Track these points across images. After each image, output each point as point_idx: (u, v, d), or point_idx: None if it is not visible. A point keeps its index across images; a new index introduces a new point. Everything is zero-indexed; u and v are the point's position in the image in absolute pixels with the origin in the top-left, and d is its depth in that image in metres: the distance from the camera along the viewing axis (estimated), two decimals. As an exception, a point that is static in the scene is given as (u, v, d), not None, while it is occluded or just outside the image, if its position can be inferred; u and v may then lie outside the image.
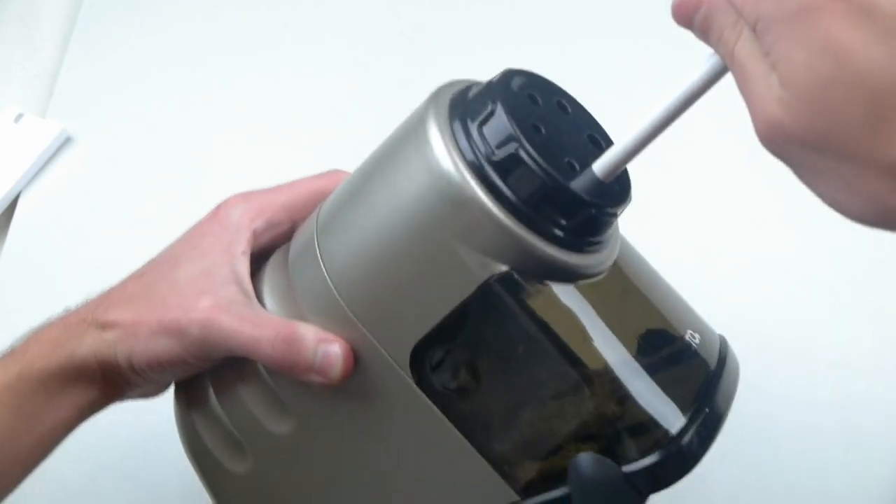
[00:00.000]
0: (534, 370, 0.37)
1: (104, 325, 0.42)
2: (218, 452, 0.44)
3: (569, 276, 0.37)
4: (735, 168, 0.68)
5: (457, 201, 0.35)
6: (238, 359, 0.41)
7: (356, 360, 0.39)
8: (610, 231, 0.39)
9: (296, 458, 0.42)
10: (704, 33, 0.33)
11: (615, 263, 0.39)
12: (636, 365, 0.37)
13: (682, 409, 0.37)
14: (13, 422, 0.41)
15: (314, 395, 0.41)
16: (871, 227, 0.31)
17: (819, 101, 0.28)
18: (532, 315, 0.37)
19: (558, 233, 0.36)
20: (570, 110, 0.39)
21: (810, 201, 0.62)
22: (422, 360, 0.38)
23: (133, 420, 0.52)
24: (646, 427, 0.37)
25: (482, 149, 0.35)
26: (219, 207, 0.44)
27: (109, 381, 0.43)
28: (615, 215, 0.38)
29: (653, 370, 0.38)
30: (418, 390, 0.38)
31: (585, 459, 0.36)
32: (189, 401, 0.45)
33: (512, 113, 0.35)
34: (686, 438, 0.36)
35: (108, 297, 0.43)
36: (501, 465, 0.38)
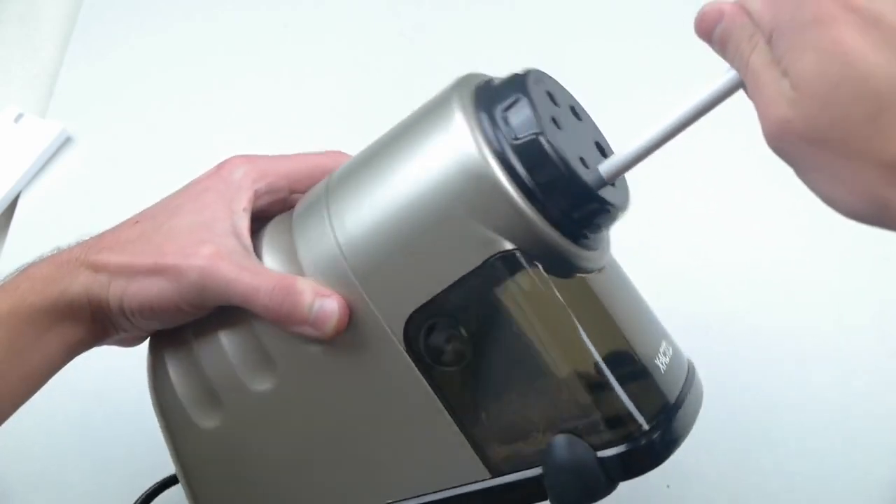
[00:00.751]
0: (522, 353, 0.39)
1: (97, 267, 0.42)
2: (189, 405, 0.43)
3: (568, 265, 0.38)
4: (734, 169, 0.68)
5: (474, 175, 0.37)
6: (228, 309, 0.41)
7: (350, 320, 0.39)
8: (605, 235, 0.41)
9: (270, 417, 0.42)
10: (722, 46, 0.36)
11: (603, 271, 0.41)
12: (618, 361, 0.39)
13: (654, 409, 0.39)
14: (2, 357, 0.41)
15: (302, 353, 0.41)
16: (866, 224, 0.34)
17: (827, 100, 0.31)
18: (529, 297, 0.38)
19: (564, 221, 0.37)
20: (581, 118, 0.41)
21: (810, 202, 0.62)
22: (415, 329, 0.39)
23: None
24: (622, 419, 0.38)
25: (504, 132, 0.37)
26: (222, 165, 0.45)
27: (97, 322, 0.43)
28: (615, 216, 0.40)
29: (632, 370, 0.39)
30: (408, 358, 0.39)
31: (562, 440, 0.38)
32: (167, 349, 0.44)
33: (534, 105, 0.37)
34: (657, 434, 0.38)
35: (101, 241, 0.43)
36: (478, 442, 0.39)
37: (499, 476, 0.39)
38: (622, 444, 0.38)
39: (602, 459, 0.37)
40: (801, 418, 0.58)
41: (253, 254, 0.42)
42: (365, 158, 0.42)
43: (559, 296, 0.38)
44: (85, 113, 0.77)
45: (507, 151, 0.37)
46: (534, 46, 0.77)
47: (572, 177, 0.37)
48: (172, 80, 0.79)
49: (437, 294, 0.38)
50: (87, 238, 0.44)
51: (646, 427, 0.38)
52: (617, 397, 0.38)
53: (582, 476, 0.37)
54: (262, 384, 0.42)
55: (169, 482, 0.50)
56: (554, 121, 0.38)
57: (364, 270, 0.39)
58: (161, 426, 0.44)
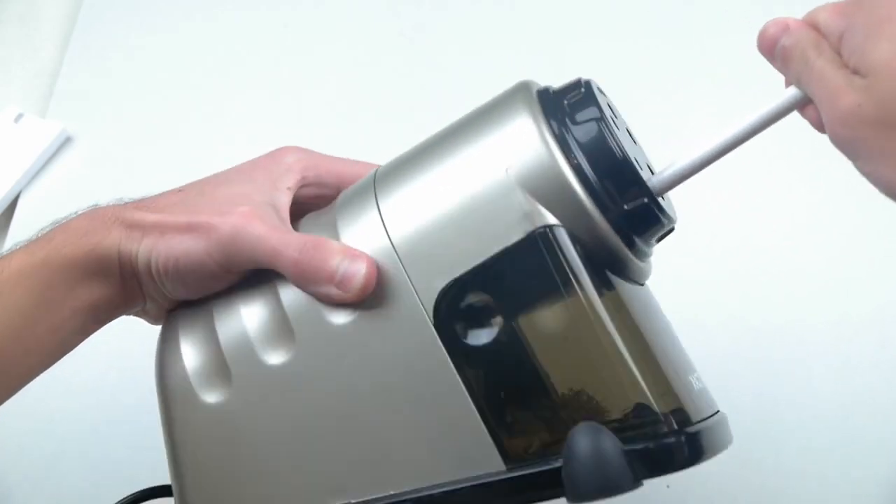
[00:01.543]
0: (556, 338, 0.38)
1: (131, 224, 0.42)
2: (195, 377, 0.42)
3: (610, 259, 0.38)
4: (734, 170, 0.68)
5: (528, 144, 0.37)
6: (251, 280, 0.42)
7: (380, 290, 0.39)
8: (649, 253, 0.41)
9: (280, 394, 0.41)
10: (786, 58, 0.37)
11: (644, 288, 0.42)
12: (656, 360, 0.38)
13: (682, 415, 0.37)
14: (33, 307, 0.41)
15: (324, 322, 0.40)
16: None
17: None
18: (569, 282, 0.37)
19: (612, 211, 0.37)
20: (635, 141, 0.42)
21: (811, 202, 0.62)
22: (447, 303, 0.38)
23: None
24: (651, 414, 0.36)
25: (565, 116, 0.38)
26: (277, 149, 0.46)
27: (125, 283, 0.43)
28: (663, 228, 0.40)
29: (664, 373, 0.38)
30: (435, 334, 0.38)
31: (588, 428, 0.36)
32: (182, 322, 0.44)
33: (596, 98, 0.39)
34: (684, 437, 0.37)
35: (141, 202, 0.44)
36: (495, 429, 0.38)
37: (514, 469, 0.38)
38: (648, 441, 0.36)
39: (627, 452, 0.36)
40: (801, 417, 0.58)
41: (288, 224, 0.42)
42: (417, 148, 0.42)
43: (594, 292, 0.37)
44: (85, 113, 0.77)
45: (564, 132, 0.38)
46: (534, 46, 0.77)
47: (629, 167, 0.37)
48: (172, 80, 0.79)
49: (475, 266, 0.37)
50: (125, 199, 0.44)
51: (675, 426, 0.36)
52: (648, 391, 0.36)
53: (605, 467, 0.35)
54: (277, 357, 0.41)
55: (151, 494, 0.48)
56: (615, 122, 0.39)
57: (403, 238, 0.39)
58: (159, 401, 0.43)
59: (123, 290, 0.43)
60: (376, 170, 0.43)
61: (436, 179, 0.39)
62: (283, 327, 0.41)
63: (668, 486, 0.57)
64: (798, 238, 0.65)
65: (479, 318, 0.38)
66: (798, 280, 0.64)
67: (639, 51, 0.77)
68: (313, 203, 0.45)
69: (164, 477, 0.48)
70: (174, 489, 0.43)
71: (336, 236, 0.41)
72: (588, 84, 0.40)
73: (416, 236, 0.39)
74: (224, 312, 0.42)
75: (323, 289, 0.39)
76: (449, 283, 0.38)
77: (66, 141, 0.76)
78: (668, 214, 0.39)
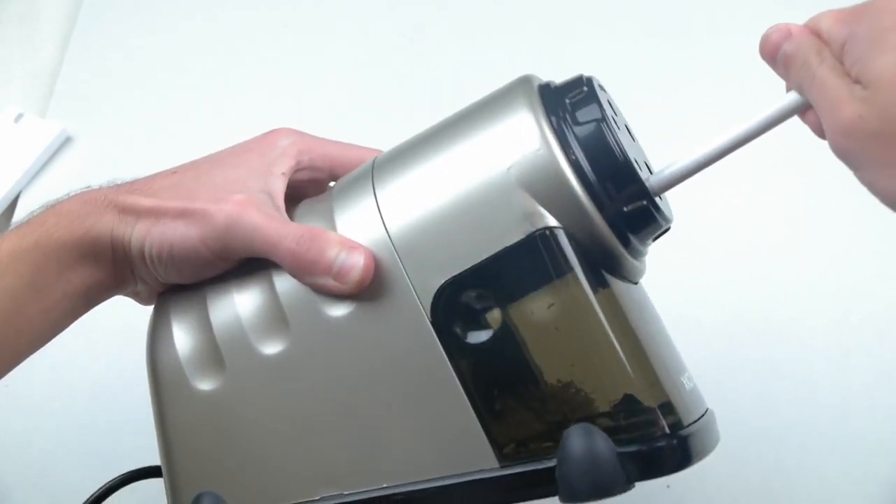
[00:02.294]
0: (552, 337, 0.38)
1: (124, 208, 0.42)
2: (188, 364, 0.42)
3: (606, 258, 0.38)
4: (735, 171, 0.68)
5: (529, 146, 0.37)
6: (246, 267, 0.41)
7: (376, 284, 0.39)
8: (644, 252, 0.41)
9: (274, 384, 0.41)
10: (787, 63, 0.37)
11: (639, 287, 0.42)
12: (650, 360, 0.38)
13: (675, 417, 0.38)
14: (25, 291, 0.41)
15: (319, 314, 0.40)
16: None
17: None
18: (567, 282, 0.37)
19: (612, 214, 0.37)
20: (634, 139, 0.42)
21: (811, 203, 0.62)
22: (444, 300, 0.38)
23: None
24: (645, 416, 0.37)
25: (566, 114, 0.38)
26: (270, 132, 0.45)
27: (118, 266, 0.43)
28: (659, 227, 0.40)
29: (656, 376, 0.38)
30: (432, 331, 0.38)
31: (583, 429, 0.36)
32: (174, 306, 0.43)
33: (598, 98, 0.38)
34: (676, 441, 0.37)
35: (133, 185, 0.43)
36: (490, 426, 0.38)
37: (508, 466, 0.38)
38: (641, 443, 0.37)
39: (620, 455, 0.36)
40: (801, 417, 0.58)
41: (284, 213, 0.42)
42: (416, 139, 0.41)
43: (590, 292, 0.37)
44: (85, 113, 0.77)
45: (565, 130, 0.37)
46: (534, 46, 0.77)
47: (628, 168, 0.37)
48: (172, 80, 0.79)
49: (474, 265, 0.37)
50: (118, 181, 0.44)
51: (667, 430, 0.37)
52: (641, 393, 0.37)
53: (599, 469, 0.36)
54: (271, 347, 0.40)
55: (135, 476, 0.48)
56: (615, 122, 0.39)
57: (401, 233, 0.38)
58: (150, 385, 0.43)
59: (115, 274, 0.43)
60: (374, 159, 0.42)
61: (435, 173, 0.39)
62: (277, 317, 0.41)
63: (668, 486, 0.57)
64: (798, 238, 0.65)
65: (475, 316, 0.38)
66: (798, 280, 0.64)
67: (639, 50, 0.77)
68: (306, 186, 0.45)
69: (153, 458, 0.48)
70: (164, 472, 0.43)
71: (332, 226, 0.40)
72: (590, 81, 0.40)
73: (415, 231, 0.38)
74: (218, 299, 0.42)
75: (320, 280, 0.39)
76: (447, 281, 0.38)
77: (66, 141, 0.76)
78: (664, 215, 0.39)
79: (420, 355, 0.38)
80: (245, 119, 0.76)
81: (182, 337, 0.42)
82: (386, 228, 0.39)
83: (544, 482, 0.37)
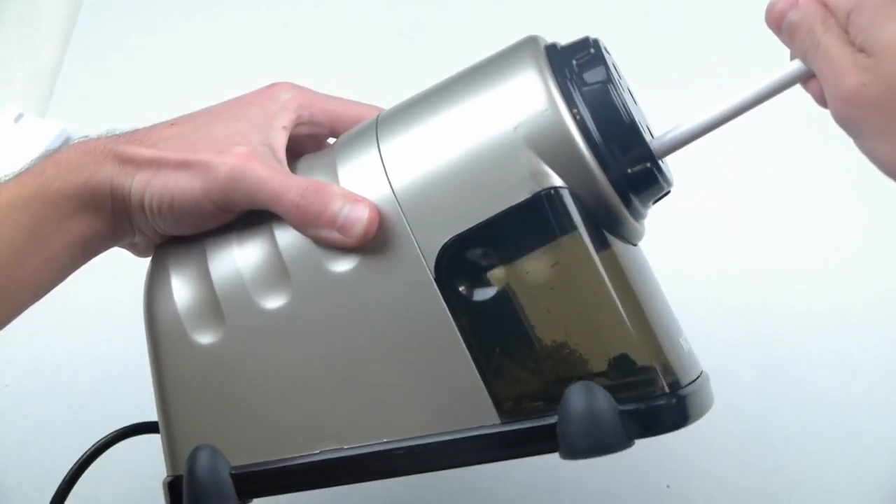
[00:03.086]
0: (554, 295, 0.38)
1: (124, 158, 0.41)
2: (186, 317, 0.41)
3: (608, 218, 0.38)
4: (736, 169, 0.68)
5: (536, 105, 0.37)
6: (248, 219, 0.41)
7: (380, 239, 0.39)
8: (644, 214, 0.41)
9: (274, 338, 0.40)
10: (792, 32, 0.37)
11: (637, 249, 0.42)
12: (649, 319, 0.38)
13: (673, 376, 0.38)
14: (25, 241, 0.40)
15: (321, 269, 0.40)
16: None
17: None
18: (571, 241, 0.38)
19: (617, 175, 0.38)
20: (636, 102, 0.42)
21: (811, 201, 0.62)
22: (448, 257, 0.38)
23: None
24: (645, 374, 0.37)
25: (573, 75, 0.38)
26: (271, 85, 0.45)
27: (117, 217, 0.42)
28: (661, 190, 0.40)
29: (655, 335, 0.39)
30: (436, 288, 0.38)
31: (584, 387, 0.37)
32: (172, 258, 0.43)
33: (605, 60, 0.39)
34: (675, 400, 0.37)
35: (133, 135, 0.43)
36: (492, 383, 0.38)
37: (509, 423, 0.38)
38: (640, 401, 0.37)
39: (621, 412, 0.36)
40: (800, 418, 0.58)
41: (286, 165, 0.41)
42: (420, 96, 0.41)
43: (594, 251, 0.37)
44: (85, 113, 0.77)
45: (572, 91, 0.37)
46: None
47: (634, 130, 0.38)
48: (172, 80, 0.79)
49: (479, 223, 0.37)
50: (117, 131, 0.44)
51: (666, 389, 0.37)
52: (642, 352, 0.37)
53: (600, 426, 0.36)
54: (272, 301, 0.40)
55: (130, 432, 0.48)
56: (621, 85, 0.39)
57: (406, 189, 0.38)
58: (148, 339, 0.43)
59: (114, 224, 0.42)
60: (378, 115, 0.42)
61: (441, 130, 0.39)
62: (278, 271, 0.40)
63: (668, 487, 0.57)
64: (798, 238, 0.65)
65: (479, 274, 0.38)
66: (798, 280, 0.64)
67: (638, 51, 0.77)
68: (306, 142, 0.45)
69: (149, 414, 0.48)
70: (161, 426, 0.43)
71: (336, 180, 0.40)
72: (597, 43, 0.40)
73: (419, 188, 0.38)
74: (218, 252, 0.42)
75: (323, 233, 0.39)
76: (451, 239, 0.38)
77: (66, 141, 0.76)
78: (666, 177, 0.40)
79: (423, 312, 0.38)
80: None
81: (181, 289, 0.42)
82: (390, 184, 0.39)
83: (545, 439, 0.37)
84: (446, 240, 0.38)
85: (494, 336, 0.38)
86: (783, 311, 0.62)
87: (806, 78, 0.38)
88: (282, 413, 0.41)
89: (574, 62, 0.39)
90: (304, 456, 0.40)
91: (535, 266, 0.38)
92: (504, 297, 0.38)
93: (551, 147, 0.37)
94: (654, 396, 0.37)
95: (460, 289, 0.38)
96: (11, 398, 0.63)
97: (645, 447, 0.59)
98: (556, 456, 0.38)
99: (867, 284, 0.63)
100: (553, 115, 0.37)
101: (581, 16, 0.79)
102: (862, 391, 0.59)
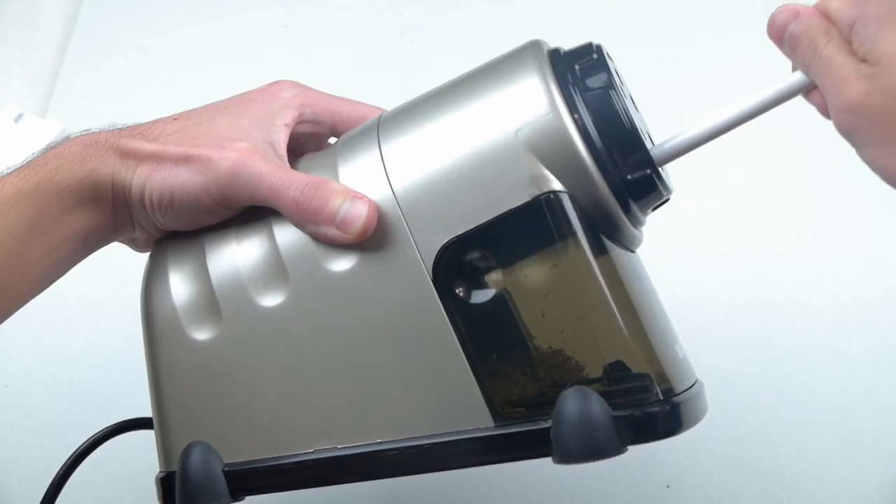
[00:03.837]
0: (551, 299, 0.38)
1: (126, 152, 0.41)
2: (184, 313, 0.41)
3: (608, 226, 0.38)
4: (736, 170, 0.68)
5: (538, 109, 0.37)
6: (247, 216, 0.41)
7: (378, 239, 0.39)
8: (643, 221, 0.41)
9: (271, 335, 0.40)
10: (794, 44, 0.38)
11: (635, 256, 0.42)
12: (645, 326, 0.39)
13: (667, 384, 0.38)
14: (27, 232, 0.40)
15: (319, 267, 0.40)
16: None
17: None
18: (569, 246, 0.38)
19: (616, 181, 0.38)
20: (637, 109, 0.42)
21: (809, 203, 0.62)
22: (446, 259, 0.38)
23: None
24: (641, 381, 0.37)
25: (575, 80, 0.38)
26: (273, 83, 0.45)
27: (117, 211, 0.42)
28: (660, 197, 0.40)
29: (650, 342, 0.39)
30: (433, 289, 0.38)
31: (579, 392, 0.37)
32: (171, 254, 0.43)
33: (608, 66, 0.39)
34: (668, 407, 0.37)
35: (135, 129, 0.43)
36: (487, 386, 0.38)
37: (502, 426, 0.38)
38: (634, 407, 0.37)
39: (615, 418, 0.37)
40: (800, 418, 0.58)
41: (287, 162, 0.42)
42: (423, 97, 0.41)
43: (591, 256, 0.37)
44: (85, 113, 0.77)
45: (574, 96, 0.37)
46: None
47: (634, 136, 0.38)
48: (172, 80, 0.79)
49: (478, 226, 0.37)
50: (118, 125, 0.44)
51: (660, 396, 0.37)
52: (637, 358, 0.37)
53: (594, 431, 0.36)
54: (269, 299, 0.40)
55: (124, 427, 0.48)
56: (622, 91, 0.39)
57: (406, 190, 0.38)
58: (145, 334, 0.43)
59: (114, 218, 0.43)
60: (380, 115, 0.42)
61: (442, 132, 0.39)
62: (277, 269, 0.40)
63: (668, 486, 0.57)
64: (798, 237, 0.65)
65: (477, 276, 0.38)
66: (798, 279, 0.64)
67: (638, 51, 0.77)
68: (307, 140, 0.45)
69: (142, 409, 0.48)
70: (155, 422, 0.43)
71: (336, 179, 0.40)
72: (599, 49, 0.40)
73: (419, 189, 0.38)
74: (216, 248, 0.42)
75: (323, 229, 0.39)
76: (450, 241, 0.38)
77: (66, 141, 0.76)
78: (665, 185, 0.40)
79: (420, 313, 0.38)
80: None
81: (179, 285, 0.42)
82: (391, 185, 0.39)
83: (538, 443, 0.37)
84: (445, 241, 0.38)
85: (490, 339, 0.38)
86: (783, 312, 0.63)
87: (808, 89, 0.38)
88: (276, 411, 0.41)
89: (577, 67, 0.39)
90: (297, 455, 0.40)
91: (533, 270, 0.38)
92: (501, 301, 0.38)
93: (552, 151, 0.37)
94: (648, 403, 0.37)
95: (458, 291, 0.38)
96: (11, 398, 0.63)
97: (645, 447, 0.59)
98: (554, 457, 0.37)
99: (867, 284, 0.63)
100: (554, 119, 0.37)
101: (581, 16, 0.79)
102: (862, 391, 0.59)
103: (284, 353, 0.40)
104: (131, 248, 0.46)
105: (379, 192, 0.39)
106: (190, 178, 0.40)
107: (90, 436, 0.47)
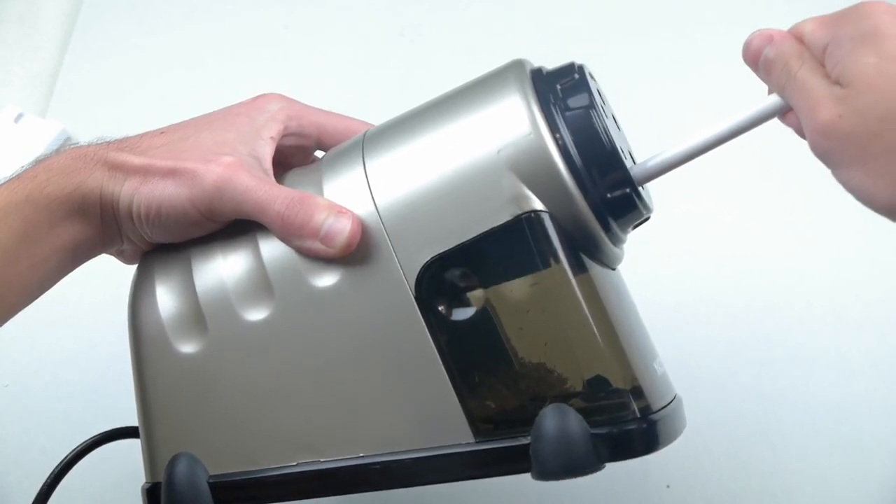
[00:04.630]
0: (531, 316, 0.39)
1: (114, 165, 0.42)
2: (170, 327, 0.42)
3: (588, 245, 0.39)
4: (735, 170, 0.68)
5: (519, 130, 0.37)
6: (232, 230, 0.42)
7: (362, 256, 0.39)
8: (623, 239, 0.42)
9: (256, 349, 0.41)
10: (768, 67, 0.38)
11: (616, 272, 0.43)
12: (623, 344, 0.39)
13: (644, 402, 0.39)
14: (16, 244, 0.41)
15: (303, 283, 0.40)
16: None
17: (883, 93, 0.34)
18: (550, 264, 0.38)
19: (596, 200, 0.38)
20: (619, 128, 0.42)
21: (809, 203, 0.62)
22: (428, 276, 0.39)
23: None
24: (621, 400, 0.38)
25: (557, 100, 0.38)
26: (260, 96, 0.45)
27: (105, 223, 0.43)
28: (640, 216, 0.40)
29: (629, 361, 0.39)
30: (415, 306, 0.39)
31: (558, 409, 0.37)
32: (158, 267, 0.43)
33: (588, 86, 0.39)
34: (645, 425, 0.38)
35: (123, 143, 0.43)
36: (467, 401, 0.39)
37: (482, 442, 0.39)
38: (612, 425, 0.38)
39: (593, 436, 0.37)
40: (801, 418, 0.58)
41: (272, 176, 0.42)
42: (408, 114, 0.42)
43: (572, 275, 0.38)
44: (85, 113, 0.77)
45: (555, 116, 0.38)
46: (534, 47, 0.77)
47: (614, 155, 0.38)
48: (172, 80, 0.79)
49: (460, 244, 0.38)
50: (107, 138, 0.44)
51: (637, 414, 0.38)
52: (615, 376, 0.38)
53: (572, 448, 0.37)
54: (254, 313, 0.41)
55: (110, 436, 0.48)
56: (603, 112, 0.40)
57: (389, 207, 0.39)
58: (132, 346, 0.43)
59: (102, 231, 0.43)
60: (365, 132, 0.43)
61: (426, 151, 0.39)
62: (262, 284, 0.41)
63: (668, 486, 0.57)
64: (797, 239, 0.65)
65: (458, 294, 0.39)
66: (798, 280, 0.64)
67: (638, 51, 0.77)
68: (293, 153, 0.45)
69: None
70: (141, 433, 0.43)
71: (321, 194, 0.41)
72: (581, 69, 0.40)
73: (403, 206, 0.39)
74: (202, 262, 0.42)
75: (307, 243, 0.40)
76: (432, 258, 0.38)
77: (66, 141, 0.76)
78: (646, 203, 0.40)
79: (402, 329, 0.39)
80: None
81: (165, 298, 0.42)
82: (374, 202, 0.39)
83: (518, 459, 0.38)
84: (427, 259, 0.38)
85: (471, 355, 0.39)
86: (783, 312, 0.63)
87: (783, 112, 0.38)
88: (260, 424, 0.41)
89: (558, 87, 0.39)
90: (281, 467, 0.41)
91: (514, 288, 0.39)
92: (482, 318, 0.38)
93: (533, 170, 0.37)
94: (625, 421, 0.38)
95: (440, 308, 0.39)
96: (11, 398, 0.63)
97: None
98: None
99: (867, 285, 0.63)
100: (536, 140, 0.37)
101: (581, 16, 0.79)
102: (862, 391, 0.59)
103: (268, 366, 0.41)
104: (119, 259, 0.46)
105: (363, 208, 0.39)
106: (176, 191, 0.41)
107: (75, 446, 0.47)
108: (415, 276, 0.38)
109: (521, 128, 0.38)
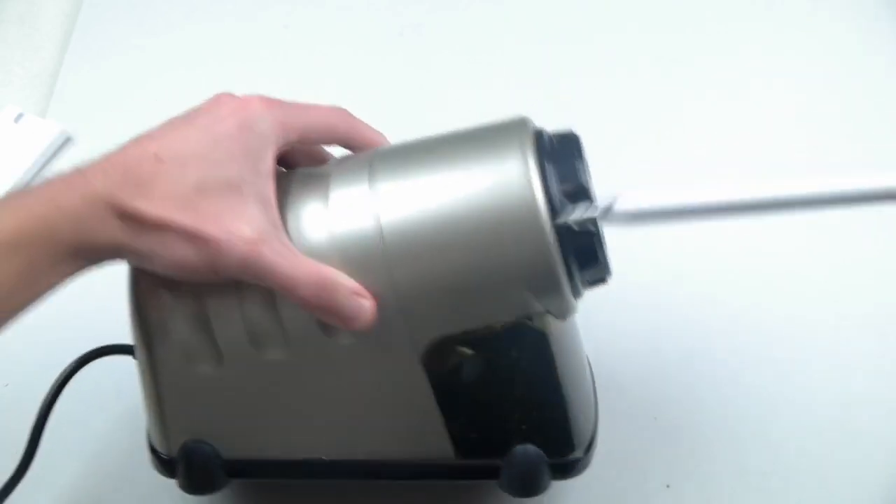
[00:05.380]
0: (513, 378, 0.45)
1: (129, 216, 0.41)
2: (187, 352, 0.45)
3: (565, 314, 0.44)
4: (735, 170, 0.68)
5: (538, 254, 0.41)
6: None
7: (377, 325, 0.42)
8: (582, 295, 0.45)
9: (272, 380, 0.45)
10: None
11: (570, 319, 0.47)
12: (572, 398, 0.47)
13: (586, 440, 0.49)
14: (15, 283, 0.41)
15: (319, 339, 0.43)
16: None
17: None
18: (539, 342, 0.44)
19: (578, 291, 0.44)
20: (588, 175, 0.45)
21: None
22: (435, 349, 0.43)
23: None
24: (569, 439, 0.48)
25: (567, 217, 0.41)
26: (240, 108, 0.43)
27: (112, 260, 0.43)
28: (603, 281, 0.45)
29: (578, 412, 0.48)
30: (423, 371, 0.44)
31: (524, 449, 0.46)
32: (175, 294, 0.44)
33: (595, 201, 0.42)
34: (584, 458, 0.49)
35: (127, 176, 0.42)
36: (455, 431, 0.46)
37: (462, 458, 0.47)
38: (561, 456, 0.47)
39: (549, 465, 0.47)
40: (800, 418, 0.58)
41: (283, 229, 0.42)
42: (422, 168, 0.43)
43: (551, 343, 0.44)
44: (85, 113, 0.77)
45: (566, 239, 0.41)
46: (533, 47, 0.77)
47: (606, 267, 0.43)
48: (173, 81, 0.79)
49: (467, 330, 0.43)
50: (103, 161, 0.43)
51: (580, 455, 0.48)
52: (572, 429, 0.47)
53: (533, 475, 0.47)
54: (269, 354, 0.44)
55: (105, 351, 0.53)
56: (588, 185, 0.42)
57: (405, 285, 0.42)
58: (139, 345, 0.46)
59: (105, 262, 0.43)
60: (368, 172, 0.43)
61: (445, 245, 0.41)
62: (278, 332, 0.44)
63: (668, 486, 0.57)
64: (797, 239, 0.65)
65: (461, 362, 0.44)
66: (798, 280, 0.64)
67: (637, 51, 0.77)
68: (279, 159, 0.45)
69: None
70: (151, 414, 0.48)
71: (331, 258, 0.42)
72: (586, 185, 0.42)
73: (419, 291, 0.42)
74: (217, 298, 0.44)
75: (325, 319, 0.42)
76: (441, 338, 0.43)
77: (66, 141, 0.76)
78: (609, 274, 0.44)
79: (408, 384, 0.44)
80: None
81: (178, 324, 0.44)
82: (391, 277, 0.42)
83: (490, 472, 0.47)
84: (436, 337, 0.43)
85: (461, 400, 0.45)
86: (783, 312, 0.63)
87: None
88: (270, 433, 0.47)
89: (569, 199, 0.42)
90: (288, 458, 0.48)
91: (505, 355, 0.44)
92: (477, 379, 0.45)
93: (542, 287, 0.42)
94: (571, 453, 0.48)
95: (443, 371, 0.44)
96: (11, 398, 0.63)
97: (645, 447, 0.59)
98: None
99: (867, 285, 0.63)
100: (549, 266, 0.41)
101: (581, 17, 0.79)
102: (862, 391, 0.59)
103: (281, 393, 0.46)
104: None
105: (378, 281, 0.42)
106: (197, 256, 0.41)
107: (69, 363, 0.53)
108: (424, 349, 0.43)
109: (538, 251, 0.41)
